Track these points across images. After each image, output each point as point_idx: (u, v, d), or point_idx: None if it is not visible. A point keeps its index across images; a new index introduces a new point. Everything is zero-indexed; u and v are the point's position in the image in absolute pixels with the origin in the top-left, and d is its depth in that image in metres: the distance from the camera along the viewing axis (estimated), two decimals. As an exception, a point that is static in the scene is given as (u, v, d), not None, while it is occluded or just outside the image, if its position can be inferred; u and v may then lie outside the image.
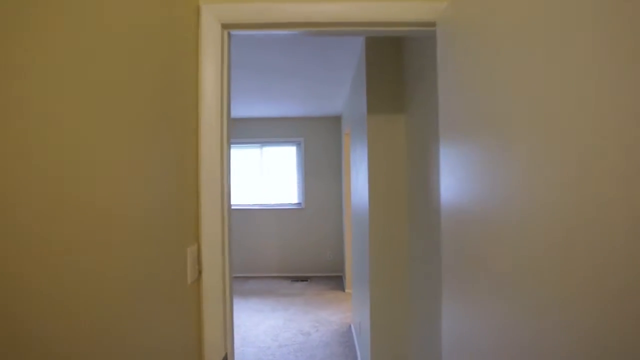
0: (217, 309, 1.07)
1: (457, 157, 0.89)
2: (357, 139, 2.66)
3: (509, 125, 0.63)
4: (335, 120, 5.17)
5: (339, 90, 3.67)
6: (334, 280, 4.90)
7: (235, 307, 3.73)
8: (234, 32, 1.11)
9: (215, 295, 1.08)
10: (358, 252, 2.73)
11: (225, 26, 1.07)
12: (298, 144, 5.23)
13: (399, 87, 2.04)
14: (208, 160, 1.12)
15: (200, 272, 1.07)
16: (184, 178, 0.99)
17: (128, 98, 0.65)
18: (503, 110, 0.66)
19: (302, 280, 4.90)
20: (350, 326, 3.46)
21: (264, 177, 5.24)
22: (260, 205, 5.22)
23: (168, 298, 0.83)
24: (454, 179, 0.91)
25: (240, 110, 4.55)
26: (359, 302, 2.69)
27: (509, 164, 0.63)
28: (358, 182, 2.67)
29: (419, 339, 1.73)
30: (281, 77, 3.18)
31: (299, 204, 5.21)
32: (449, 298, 0.95)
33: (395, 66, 2.05)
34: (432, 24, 1.04)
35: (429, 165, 1.52)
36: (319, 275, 5.13)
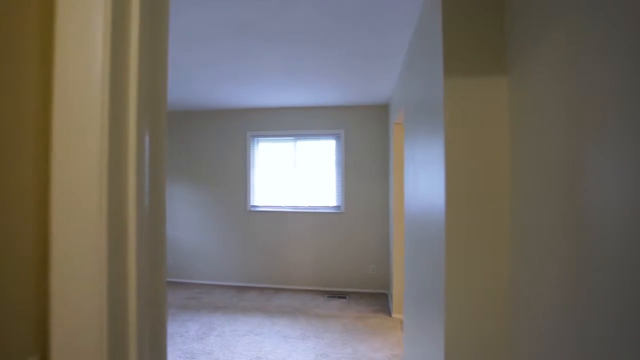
0: None
1: None
2: (419, 125, 1.88)
3: None
4: (381, 109, 4.37)
5: (389, 69, 2.88)
6: (378, 299, 4.12)
7: (259, 330, 3.05)
8: None
9: None
10: (416, 269, 1.95)
11: None
12: (337, 137, 4.51)
13: (496, 33, 1.24)
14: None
15: None
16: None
17: None
18: None
19: (340, 297, 4.17)
20: (400, 369, 2.68)
21: (298, 175, 4.58)
22: (294, 207, 4.57)
23: None
24: None
25: (268, 97, 3.92)
26: (418, 335, 1.92)
27: None
28: (418, 182, 1.89)
29: None
30: (314, 48, 2.47)
31: (337, 207, 4.49)
32: None
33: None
34: None
35: (586, 153, 0.72)
36: (359, 291, 4.37)
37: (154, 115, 0.52)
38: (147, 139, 0.49)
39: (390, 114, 4.05)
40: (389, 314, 3.66)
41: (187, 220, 4.82)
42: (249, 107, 4.56)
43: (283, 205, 4.61)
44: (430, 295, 1.53)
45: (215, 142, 4.75)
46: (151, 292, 0.51)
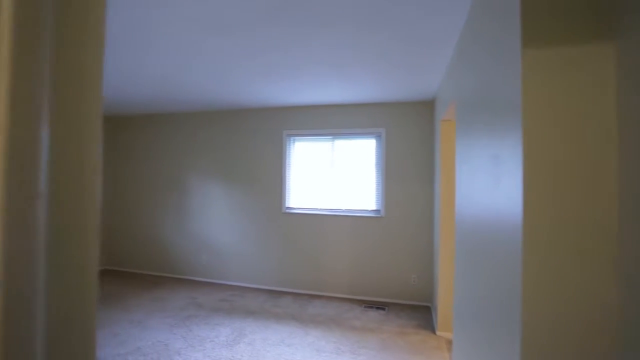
0: None
1: None
2: (478, 120, 1.57)
3: None
4: (425, 106, 4.02)
5: (436, 59, 2.56)
6: (420, 312, 3.77)
7: (291, 340, 2.84)
8: None
9: None
10: (473, 282, 1.64)
11: None
12: (378, 136, 4.22)
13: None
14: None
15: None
16: None
17: None
18: None
19: (378, 308, 3.87)
20: (447, 398, 2.35)
21: (336, 176, 4.35)
22: (330, 210, 4.35)
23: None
24: None
25: (304, 94, 3.73)
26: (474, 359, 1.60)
27: None
28: (476, 184, 1.58)
29: None
30: (355, 34, 2.22)
31: (377, 211, 4.20)
32: None
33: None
34: None
35: None
36: (399, 302, 4.04)
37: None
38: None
39: (436, 110, 3.69)
40: (433, 330, 3.30)
41: (222, 220, 4.77)
42: (285, 105, 4.42)
43: (319, 207, 4.40)
44: (497, 316, 1.22)
45: (251, 141, 4.66)
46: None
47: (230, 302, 4.03)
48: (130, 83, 3.45)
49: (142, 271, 5.21)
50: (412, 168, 4.04)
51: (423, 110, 4.02)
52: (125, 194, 5.34)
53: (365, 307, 3.92)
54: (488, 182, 1.36)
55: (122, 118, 5.34)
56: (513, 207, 1.04)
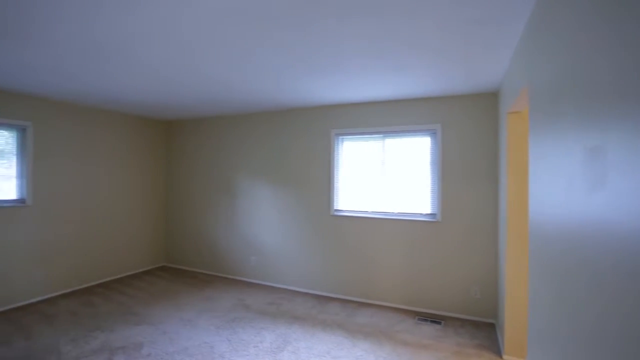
0: None
1: None
2: (567, 105, 1.25)
3: None
4: (487, 98, 3.59)
5: (501, 41, 2.20)
6: (482, 330, 3.35)
7: (337, 352, 2.85)
8: None
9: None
10: (567, 305, 1.31)
11: None
12: (433, 133, 3.86)
13: None
14: None
15: None
16: None
17: None
18: None
19: (434, 322, 3.53)
20: None
21: (387, 177, 4.08)
22: (381, 213, 4.08)
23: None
24: None
25: (352, 90, 3.52)
26: None
27: None
28: (558, 183, 1.26)
29: None
30: (405, 18, 1.98)
31: (432, 215, 3.85)
32: None
33: None
34: None
35: None
36: (458, 317, 3.65)
37: None
38: None
39: (501, 101, 3.27)
40: (499, 353, 2.89)
41: (271, 222, 4.74)
42: (333, 104, 4.25)
43: (369, 210, 4.16)
44: (579, 333, 0.92)
45: (299, 142, 4.56)
46: None
47: (277, 305, 3.96)
48: (184, 86, 3.53)
49: (195, 269, 5.39)
50: (473, 167, 3.63)
51: (484, 103, 3.60)
52: (180, 195, 5.57)
53: (418, 319, 3.60)
54: (580, 181, 1.05)
55: (175, 122, 5.58)
56: (629, 212, 0.74)
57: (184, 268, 5.49)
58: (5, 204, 3.78)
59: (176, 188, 5.64)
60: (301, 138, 4.55)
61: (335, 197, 4.33)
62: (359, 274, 4.15)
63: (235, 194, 5.04)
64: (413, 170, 3.94)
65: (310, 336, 3.17)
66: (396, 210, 4.02)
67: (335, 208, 4.33)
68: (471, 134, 3.64)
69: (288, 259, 4.61)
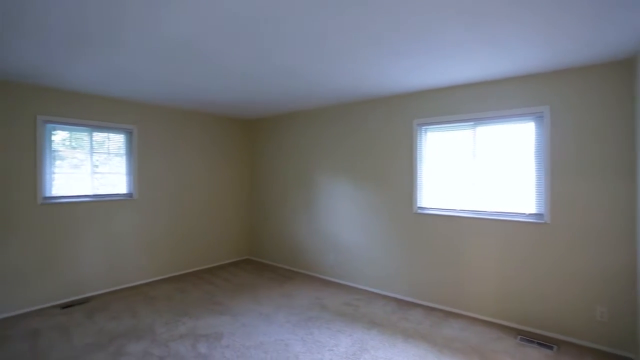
0: None
1: None
2: None
3: None
4: (614, 68, 2.81)
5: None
6: (613, 362, 2.65)
7: None
8: None
9: None
10: None
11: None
12: (539, 118, 3.22)
13: None
14: None
15: None
16: None
17: None
18: None
19: (542, 345, 2.92)
20: None
21: (479, 171, 3.55)
22: (473, 212, 3.57)
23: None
24: None
25: (436, 73, 3.10)
26: None
27: None
28: None
29: None
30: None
31: (538, 215, 3.21)
32: None
33: None
34: None
35: None
36: (576, 342, 2.97)
37: None
38: None
39: (638, 71, 2.52)
40: (640, 396, 2.22)
41: (350, 219, 4.56)
42: (415, 90, 3.86)
43: (458, 208, 3.68)
44: None
45: (378, 135, 4.28)
46: None
47: (354, 307, 3.76)
48: (260, 81, 3.56)
49: (276, 264, 5.51)
50: (596, 158, 2.90)
51: (610, 75, 2.83)
52: (263, 191, 5.76)
53: (521, 339, 3.02)
54: None
55: (256, 121, 5.78)
56: None
57: (266, 262, 5.67)
58: (119, 197, 4.34)
59: (259, 184, 5.85)
60: (380, 130, 4.26)
61: (418, 194, 3.95)
62: (445, 279, 3.71)
63: (314, 190, 5.00)
64: (511, 162, 3.34)
65: (390, 346, 2.90)
66: (490, 209, 3.46)
67: (418, 205, 3.94)
68: (593, 116, 2.92)
69: (367, 258, 4.37)
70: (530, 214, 3.24)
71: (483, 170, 3.52)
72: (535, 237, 3.18)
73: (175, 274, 4.95)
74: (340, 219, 4.66)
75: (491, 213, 3.45)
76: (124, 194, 4.43)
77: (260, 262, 5.71)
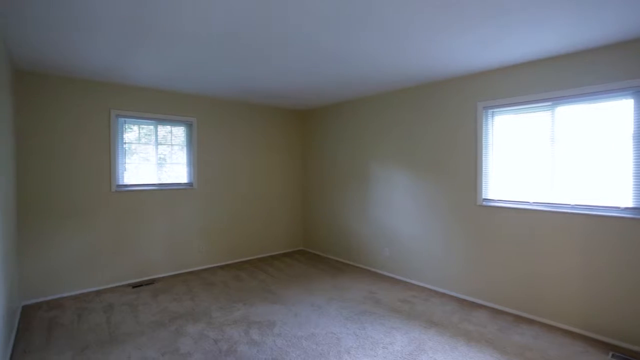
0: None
1: None
2: None
3: None
4: None
5: None
6: None
7: None
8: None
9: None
10: None
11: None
12: (637, 93, 2.69)
13: None
14: None
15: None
16: None
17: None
18: None
19: (640, 362, 2.46)
20: None
21: (558, 158, 3.11)
22: (549, 205, 3.14)
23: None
24: None
25: (505, 46, 2.73)
26: None
27: None
28: None
29: None
30: None
31: (635, 209, 2.70)
32: None
33: None
34: None
35: None
36: (687, 362, 2.45)
37: None
38: None
39: None
40: None
41: (406, 212, 4.32)
42: (479, 70, 3.49)
43: (532, 201, 3.26)
44: None
45: (437, 120, 3.97)
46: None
47: (411, 304, 3.54)
48: (309, 72, 3.48)
49: (329, 256, 5.45)
50: None
51: None
52: (315, 182, 5.72)
53: (613, 355, 2.58)
54: None
55: (307, 112, 5.72)
56: None
57: (319, 254, 5.63)
58: (181, 187, 4.58)
59: (312, 175, 5.82)
60: (439, 116, 3.94)
61: (484, 184, 3.58)
62: (516, 280, 3.32)
63: (368, 181, 4.82)
64: (601, 147, 2.86)
65: (451, 349, 2.65)
66: (573, 202, 3.01)
67: (483, 197, 3.58)
68: None
69: (424, 253, 4.10)
70: (626, 208, 2.74)
71: (563, 157, 3.06)
72: (630, 235, 2.68)
73: (232, 261, 5.12)
74: (396, 211, 4.43)
75: (574, 206, 2.99)
76: (185, 183, 4.66)
77: (313, 253, 5.70)
